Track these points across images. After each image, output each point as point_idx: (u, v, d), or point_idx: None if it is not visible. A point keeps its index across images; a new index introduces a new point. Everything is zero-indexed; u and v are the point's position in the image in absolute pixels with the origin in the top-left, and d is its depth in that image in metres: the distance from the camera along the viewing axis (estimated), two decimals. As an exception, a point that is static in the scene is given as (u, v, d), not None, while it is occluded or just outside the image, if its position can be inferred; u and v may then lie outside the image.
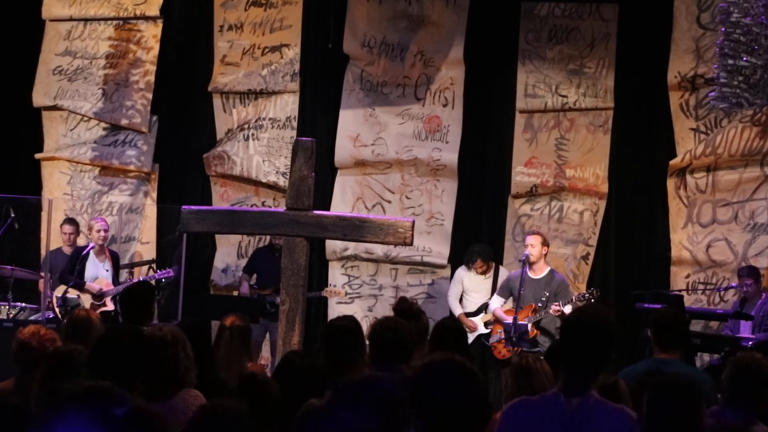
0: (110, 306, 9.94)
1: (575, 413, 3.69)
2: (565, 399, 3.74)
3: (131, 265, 11.10)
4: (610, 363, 4.13)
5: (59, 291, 10.05)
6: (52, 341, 5.09)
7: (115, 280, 10.23)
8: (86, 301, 10.04)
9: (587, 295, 9.52)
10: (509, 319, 9.46)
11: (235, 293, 10.90)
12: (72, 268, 10.12)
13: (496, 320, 9.86)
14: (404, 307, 5.55)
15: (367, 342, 5.03)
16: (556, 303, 9.38)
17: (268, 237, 10.77)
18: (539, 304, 9.44)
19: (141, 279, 10.22)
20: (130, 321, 6.00)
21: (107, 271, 10.23)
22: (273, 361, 9.58)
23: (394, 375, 2.81)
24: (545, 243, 9.79)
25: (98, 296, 10.05)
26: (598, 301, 9.38)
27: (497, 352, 9.77)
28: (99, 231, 10.26)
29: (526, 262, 9.52)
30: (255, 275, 10.70)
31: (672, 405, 3.79)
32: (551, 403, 3.76)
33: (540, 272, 9.59)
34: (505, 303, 9.83)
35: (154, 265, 10.78)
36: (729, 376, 4.72)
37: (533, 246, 9.61)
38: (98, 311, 9.23)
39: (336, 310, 11.03)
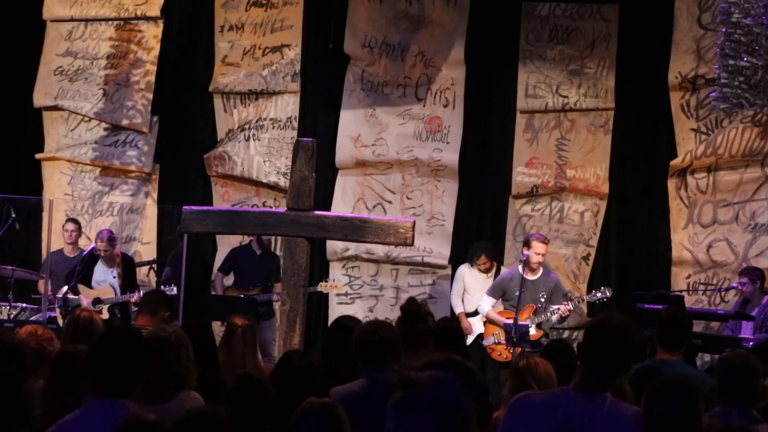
0: (105, 315, 9.79)
1: (585, 410, 3.72)
2: (575, 395, 3.77)
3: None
4: (628, 371, 4.19)
5: (61, 292, 10.03)
6: (49, 341, 5.08)
7: (125, 287, 10.10)
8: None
9: (599, 293, 9.53)
10: (507, 321, 9.45)
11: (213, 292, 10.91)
12: (76, 271, 10.14)
13: (490, 321, 9.83)
14: (412, 308, 5.54)
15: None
16: (565, 303, 9.41)
17: (246, 237, 10.79)
18: (539, 305, 9.44)
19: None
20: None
21: (114, 278, 10.19)
22: (266, 360, 9.56)
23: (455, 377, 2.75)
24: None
25: (96, 302, 9.99)
26: (610, 300, 9.45)
27: (496, 354, 9.75)
28: (97, 240, 10.25)
29: (527, 264, 9.53)
30: (232, 274, 10.72)
31: (670, 405, 3.80)
32: (559, 398, 3.82)
33: (536, 273, 9.61)
34: (495, 303, 9.81)
35: (154, 267, 10.76)
36: (718, 375, 4.74)
37: (544, 255, 9.64)
38: None
39: (337, 310, 11.03)
